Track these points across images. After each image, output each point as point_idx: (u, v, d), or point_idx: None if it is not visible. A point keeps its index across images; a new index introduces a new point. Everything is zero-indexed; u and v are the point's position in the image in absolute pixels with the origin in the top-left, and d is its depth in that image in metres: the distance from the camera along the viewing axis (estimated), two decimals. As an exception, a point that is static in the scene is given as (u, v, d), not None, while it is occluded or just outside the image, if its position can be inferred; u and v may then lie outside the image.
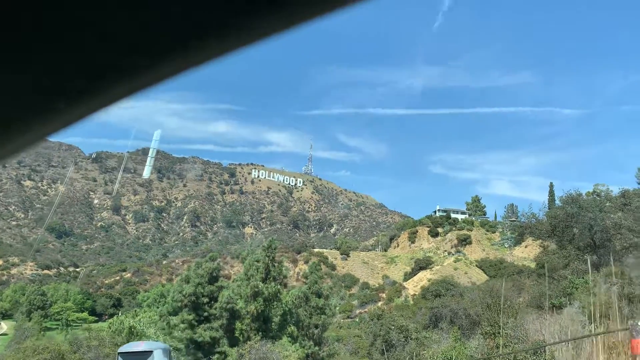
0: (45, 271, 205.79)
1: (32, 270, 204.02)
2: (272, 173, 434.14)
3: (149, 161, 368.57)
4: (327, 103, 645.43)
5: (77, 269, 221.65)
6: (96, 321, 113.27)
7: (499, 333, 23.45)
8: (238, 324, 41.17)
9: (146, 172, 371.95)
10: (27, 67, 0.61)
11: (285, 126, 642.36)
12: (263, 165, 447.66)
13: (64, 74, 0.64)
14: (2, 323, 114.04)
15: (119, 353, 5.98)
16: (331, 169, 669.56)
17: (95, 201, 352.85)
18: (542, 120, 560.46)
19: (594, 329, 22.32)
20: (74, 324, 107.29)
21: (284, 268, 48.88)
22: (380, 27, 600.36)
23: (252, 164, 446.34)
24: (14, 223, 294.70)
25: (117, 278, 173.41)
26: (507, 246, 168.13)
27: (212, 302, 40.40)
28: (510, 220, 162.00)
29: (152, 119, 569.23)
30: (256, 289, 41.80)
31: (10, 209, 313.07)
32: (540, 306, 28.75)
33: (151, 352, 5.63)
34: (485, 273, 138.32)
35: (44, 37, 0.57)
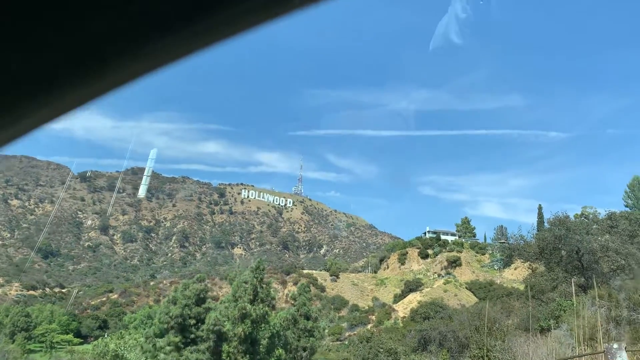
0: (31, 292, 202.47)
1: (17, 290, 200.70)
2: (262, 193, 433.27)
3: (145, 180, 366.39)
4: (316, 124, 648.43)
5: (63, 290, 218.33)
6: (81, 343, 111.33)
7: (487, 356, 23.38)
8: (225, 347, 40.60)
9: (141, 191, 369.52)
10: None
11: (275, 146, 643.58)
12: (253, 186, 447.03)
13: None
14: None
15: None
16: (321, 190, 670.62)
17: (89, 222, 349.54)
18: (528, 143, 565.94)
19: (582, 351, 22.29)
20: (59, 346, 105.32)
21: (272, 290, 48.50)
22: (370, 50, 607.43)
23: (241, 184, 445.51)
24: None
25: (104, 299, 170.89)
26: (496, 268, 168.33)
27: (199, 324, 39.87)
28: (500, 242, 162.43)
29: (140, 139, 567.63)
30: (244, 311, 41.35)
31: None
32: (528, 329, 28.71)
33: None
34: (475, 295, 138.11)
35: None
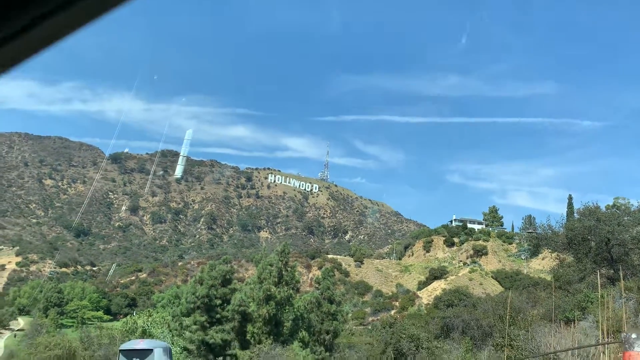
0: (63, 269, 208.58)
1: (50, 267, 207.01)
2: (288, 178, 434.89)
3: (181, 160, 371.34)
4: (344, 110, 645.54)
5: (94, 268, 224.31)
6: (111, 320, 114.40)
7: (510, 345, 23.25)
8: (250, 327, 41.29)
9: (178, 172, 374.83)
10: None
11: (302, 132, 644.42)
12: (279, 170, 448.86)
13: None
14: (20, 319, 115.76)
15: (120, 350, 6.06)
16: (347, 176, 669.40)
17: (119, 203, 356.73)
18: (561, 132, 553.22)
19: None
20: (89, 322, 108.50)
21: (296, 273, 48.98)
22: (400, 35, 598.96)
23: (268, 168, 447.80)
24: (34, 221, 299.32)
25: (133, 278, 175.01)
26: (523, 258, 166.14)
27: (225, 305, 40.60)
28: (528, 232, 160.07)
29: (170, 122, 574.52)
30: (268, 293, 41.94)
31: (31, 206, 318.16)
32: (554, 320, 28.42)
33: (152, 350, 5.72)
34: (501, 284, 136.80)
35: None
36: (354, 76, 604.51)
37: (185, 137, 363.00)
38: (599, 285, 21.95)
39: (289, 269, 46.78)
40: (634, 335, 3.37)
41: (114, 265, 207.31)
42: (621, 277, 20.55)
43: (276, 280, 43.93)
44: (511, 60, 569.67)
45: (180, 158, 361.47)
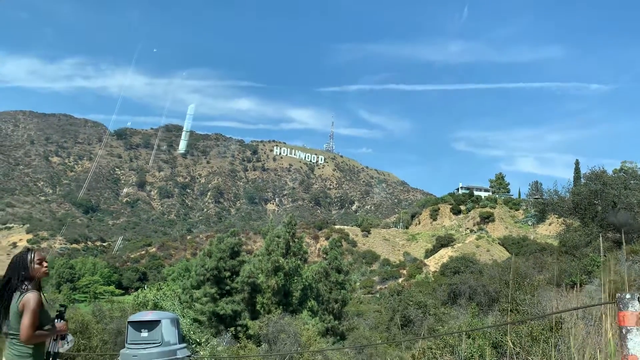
0: (74, 245, 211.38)
1: (60, 244, 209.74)
2: (293, 150, 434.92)
3: (184, 135, 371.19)
4: (349, 79, 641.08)
5: (104, 243, 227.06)
6: (122, 294, 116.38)
7: (516, 309, 23.52)
8: (259, 298, 41.90)
9: (181, 147, 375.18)
10: None
11: (306, 103, 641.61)
12: (285, 142, 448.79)
13: None
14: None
15: (128, 322, 6.18)
16: (353, 146, 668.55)
17: (124, 190, 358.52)
18: (568, 96, 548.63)
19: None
20: (101, 297, 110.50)
21: (304, 244, 49.44)
22: (404, 1, 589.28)
23: (273, 141, 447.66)
24: (42, 198, 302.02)
25: (143, 252, 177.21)
26: (530, 224, 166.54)
27: (234, 276, 41.12)
28: (534, 198, 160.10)
29: (173, 96, 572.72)
30: (277, 264, 42.39)
31: (39, 184, 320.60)
32: (559, 284, 28.62)
33: (159, 321, 5.85)
34: (508, 251, 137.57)
35: None
36: (357, 45, 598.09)
37: (188, 112, 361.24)
38: (601, 249, 22.02)
39: (296, 240, 47.16)
40: (627, 296, 3.41)
41: (120, 238, 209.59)
42: (623, 239, 20.59)
43: (284, 251, 44.35)
44: (516, 25, 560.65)
45: (184, 133, 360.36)
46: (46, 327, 5.92)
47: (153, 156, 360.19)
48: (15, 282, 5.98)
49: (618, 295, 3.37)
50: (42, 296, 6.03)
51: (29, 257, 6.24)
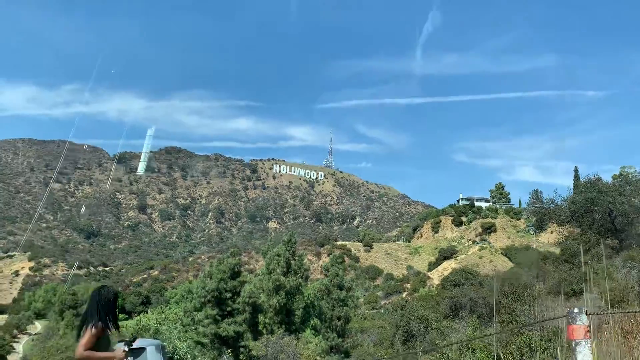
0: (76, 271, 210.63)
1: (62, 270, 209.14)
2: (293, 167, 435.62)
3: (144, 157, 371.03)
4: (345, 95, 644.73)
5: (106, 268, 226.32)
6: (126, 319, 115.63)
7: (515, 320, 23.58)
8: (261, 318, 41.86)
9: (140, 169, 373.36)
10: None
11: (304, 120, 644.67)
12: (284, 160, 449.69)
13: None
14: (37, 323, 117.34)
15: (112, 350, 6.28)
16: (352, 161, 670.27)
17: (127, 202, 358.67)
18: (565, 104, 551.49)
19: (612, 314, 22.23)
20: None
21: (305, 261, 49.46)
22: (396, 16, 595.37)
23: (273, 159, 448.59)
24: (44, 225, 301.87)
25: (145, 276, 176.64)
26: (532, 233, 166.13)
27: (235, 297, 41.15)
28: (535, 207, 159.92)
29: (171, 118, 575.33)
30: (278, 283, 42.42)
31: (40, 211, 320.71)
32: (559, 292, 28.66)
33: (144, 348, 5.94)
34: (511, 260, 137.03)
35: None
36: (352, 61, 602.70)
37: (148, 134, 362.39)
38: (603, 256, 22.13)
39: (296, 258, 47.20)
40: (576, 310, 3.61)
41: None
42: (620, 246, 20.73)
43: (284, 270, 44.38)
44: (511, 35, 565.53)
45: (143, 154, 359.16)
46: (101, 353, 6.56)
47: (147, 174, 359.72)
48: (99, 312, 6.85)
49: (568, 309, 3.56)
50: (109, 328, 6.85)
51: (104, 292, 7.15)
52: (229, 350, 34.92)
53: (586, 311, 3.54)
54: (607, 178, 52.06)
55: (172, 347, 25.48)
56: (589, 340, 3.37)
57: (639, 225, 34.51)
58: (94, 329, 6.63)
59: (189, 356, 26.24)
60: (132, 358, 6.38)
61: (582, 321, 3.52)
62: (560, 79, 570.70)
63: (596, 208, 36.52)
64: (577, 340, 3.46)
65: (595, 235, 34.88)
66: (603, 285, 27.83)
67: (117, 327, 7.07)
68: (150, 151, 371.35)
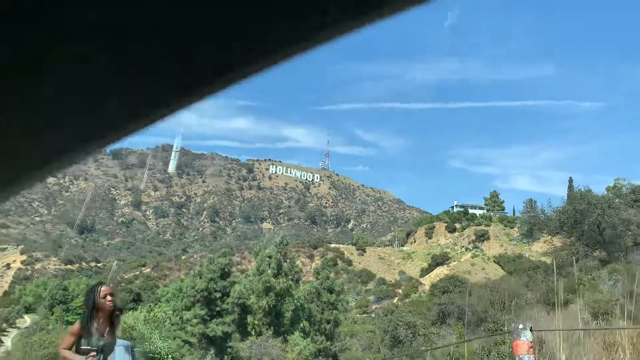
0: (68, 266, 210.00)
1: (55, 265, 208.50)
2: (289, 169, 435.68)
3: (174, 155, 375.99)
4: (343, 98, 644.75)
5: (99, 264, 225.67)
6: (117, 316, 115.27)
7: (501, 329, 23.82)
8: (250, 319, 41.96)
9: (171, 167, 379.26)
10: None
11: (301, 121, 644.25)
12: (280, 161, 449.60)
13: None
14: (26, 317, 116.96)
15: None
16: (348, 164, 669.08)
17: (122, 199, 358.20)
18: (561, 114, 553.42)
19: (598, 325, 22.47)
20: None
21: (296, 263, 49.62)
22: (393, 21, 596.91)
23: (269, 159, 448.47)
24: (37, 219, 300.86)
25: (137, 273, 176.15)
26: (525, 242, 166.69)
27: (225, 297, 41.25)
28: (529, 216, 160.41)
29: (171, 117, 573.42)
30: (268, 284, 42.55)
31: (34, 205, 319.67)
32: (546, 302, 28.90)
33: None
34: (503, 269, 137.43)
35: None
36: (351, 64, 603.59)
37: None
38: (592, 268, 22.40)
39: (288, 260, 47.36)
40: (520, 326, 3.77)
41: (114, 263, 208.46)
42: (607, 258, 20.99)
43: (275, 271, 44.53)
44: (509, 43, 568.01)
45: (174, 153, 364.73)
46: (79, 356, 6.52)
47: (146, 175, 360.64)
48: (85, 312, 6.86)
49: (513, 325, 3.71)
50: (93, 327, 6.71)
51: (95, 291, 7.01)
52: (213, 352, 34.99)
53: (530, 327, 3.70)
54: (602, 189, 52.53)
55: (153, 348, 25.50)
56: (532, 356, 3.53)
57: (627, 238, 34.81)
58: (72, 328, 6.76)
59: (170, 357, 26.27)
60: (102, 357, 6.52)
61: (526, 337, 3.68)
62: (556, 89, 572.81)
63: (585, 220, 36.84)
64: (521, 356, 3.61)
65: (584, 247, 35.18)
66: (589, 296, 28.08)
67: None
68: (181, 150, 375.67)
